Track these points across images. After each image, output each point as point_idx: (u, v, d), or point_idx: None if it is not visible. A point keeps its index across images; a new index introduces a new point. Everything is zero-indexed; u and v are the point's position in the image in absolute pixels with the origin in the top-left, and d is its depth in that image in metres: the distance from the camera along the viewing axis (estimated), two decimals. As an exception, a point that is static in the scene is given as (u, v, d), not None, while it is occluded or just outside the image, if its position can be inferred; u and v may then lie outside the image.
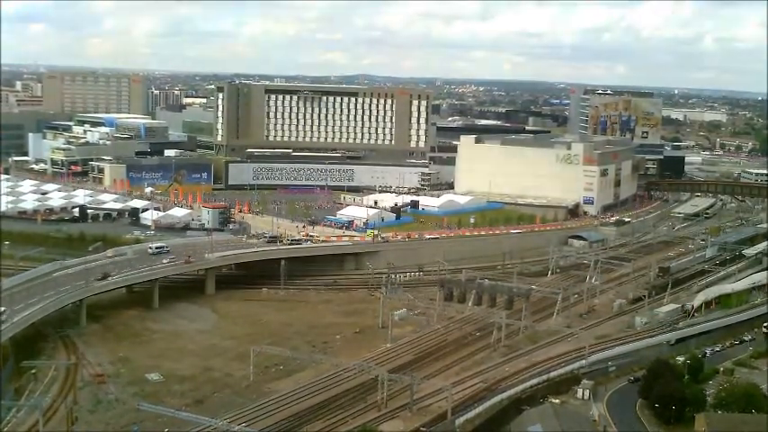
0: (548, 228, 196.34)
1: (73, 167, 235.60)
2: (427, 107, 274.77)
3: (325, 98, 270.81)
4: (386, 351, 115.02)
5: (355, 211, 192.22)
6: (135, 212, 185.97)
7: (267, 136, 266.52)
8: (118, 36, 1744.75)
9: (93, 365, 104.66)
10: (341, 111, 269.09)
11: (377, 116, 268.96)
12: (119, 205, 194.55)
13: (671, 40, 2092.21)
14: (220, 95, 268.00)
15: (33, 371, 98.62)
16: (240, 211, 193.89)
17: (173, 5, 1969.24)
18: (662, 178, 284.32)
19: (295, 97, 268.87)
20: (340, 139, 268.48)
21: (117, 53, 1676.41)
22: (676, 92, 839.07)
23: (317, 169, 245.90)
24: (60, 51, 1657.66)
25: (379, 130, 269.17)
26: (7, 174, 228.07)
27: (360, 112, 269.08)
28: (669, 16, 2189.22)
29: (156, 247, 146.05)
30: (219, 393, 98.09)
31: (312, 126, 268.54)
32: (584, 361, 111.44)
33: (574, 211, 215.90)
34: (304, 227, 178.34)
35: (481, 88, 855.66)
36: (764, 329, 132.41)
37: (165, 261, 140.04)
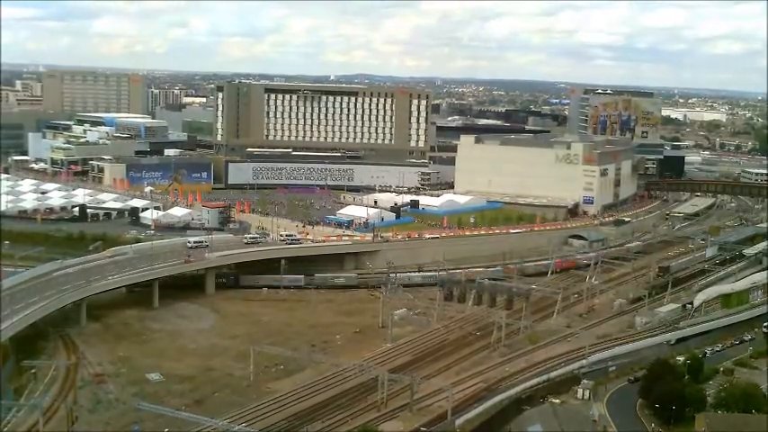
0: (547, 227, 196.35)
1: (73, 167, 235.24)
2: (427, 107, 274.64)
3: (324, 98, 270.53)
4: (386, 351, 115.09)
5: (355, 211, 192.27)
6: (135, 212, 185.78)
7: (267, 135, 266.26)
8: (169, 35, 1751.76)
9: (93, 365, 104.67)
10: (341, 110, 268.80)
11: (377, 116, 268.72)
12: (119, 205, 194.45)
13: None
14: (220, 95, 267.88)
15: (33, 370, 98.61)
16: (241, 211, 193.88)
17: (221, 4, 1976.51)
18: (662, 178, 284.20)
19: (295, 97, 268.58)
20: (340, 138, 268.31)
21: (145, 53, 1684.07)
22: (676, 92, 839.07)
23: (317, 169, 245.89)
24: (86, 51, 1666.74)
25: (379, 130, 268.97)
26: (7, 173, 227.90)
27: (359, 111, 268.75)
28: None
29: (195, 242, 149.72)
30: (219, 393, 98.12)
31: (312, 125, 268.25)
32: (584, 361, 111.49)
33: (573, 211, 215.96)
34: (304, 226, 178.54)
35: (481, 88, 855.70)
36: (764, 329, 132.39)
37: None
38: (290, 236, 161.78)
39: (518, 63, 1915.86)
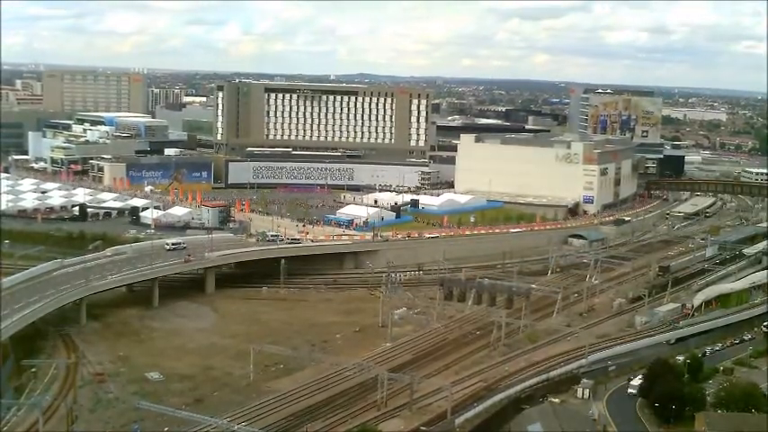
0: (547, 227, 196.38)
1: (73, 166, 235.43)
2: (427, 106, 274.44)
3: (325, 97, 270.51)
4: (386, 350, 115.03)
5: (355, 210, 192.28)
6: (135, 211, 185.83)
7: (267, 135, 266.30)
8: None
9: (92, 364, 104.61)
10: (341, 109, 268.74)
11: (377, 115, 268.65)
12: (119, 204, 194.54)
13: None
14: (220, 94, 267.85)
15: (33, 370, 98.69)
16: (241, 210, 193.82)
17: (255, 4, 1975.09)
18: (662, 177, 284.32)
19: (295, 96, 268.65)
20: (340, 137, 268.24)
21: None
22: (676, 91, 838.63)
23: (317, 168, 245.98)
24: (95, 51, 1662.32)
25: (379, 129, 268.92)
26: (7, 172, 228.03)
27: (360, 110, 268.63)
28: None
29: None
30: (219, 392, 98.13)
31: (312, 125, 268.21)
32: (583, 360, 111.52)
33: (574, 210, 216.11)
34: (304, 225, 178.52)
35: (481, 87, 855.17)
36: (764, 329, 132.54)
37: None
38: (294, 239, 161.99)
39: (538, 62, 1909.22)
